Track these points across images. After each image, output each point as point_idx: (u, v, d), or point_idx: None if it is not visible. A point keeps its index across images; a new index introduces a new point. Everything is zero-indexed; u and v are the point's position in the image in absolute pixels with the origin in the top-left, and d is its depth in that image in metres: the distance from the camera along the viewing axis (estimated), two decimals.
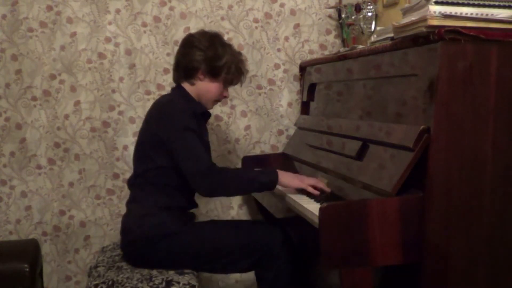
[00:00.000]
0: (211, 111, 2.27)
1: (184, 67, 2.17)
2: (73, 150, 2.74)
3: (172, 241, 2.02)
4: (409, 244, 1.54)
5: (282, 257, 2.06)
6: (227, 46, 2.20)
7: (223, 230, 2.11)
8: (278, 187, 2.05)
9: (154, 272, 1.98)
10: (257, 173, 2.05)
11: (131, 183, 2.18)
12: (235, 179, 2.02)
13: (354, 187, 1.82)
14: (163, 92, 2.69)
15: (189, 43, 2.18)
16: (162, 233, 2.01)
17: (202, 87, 2.17)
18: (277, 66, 2.84)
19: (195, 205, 2.22)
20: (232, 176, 2.03)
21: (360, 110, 2.03)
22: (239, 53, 2.26)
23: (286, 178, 2.03)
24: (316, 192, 1.97)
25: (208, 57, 2.13)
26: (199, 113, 2.16)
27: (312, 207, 1.78)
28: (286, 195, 2.04)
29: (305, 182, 2.01)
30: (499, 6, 1.53)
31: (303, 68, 2.70)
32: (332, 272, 2.27)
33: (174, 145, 2.00)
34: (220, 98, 2.25)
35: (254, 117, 2.85)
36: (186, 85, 2.19)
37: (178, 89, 2.21)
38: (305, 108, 2.67)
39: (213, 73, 2.15)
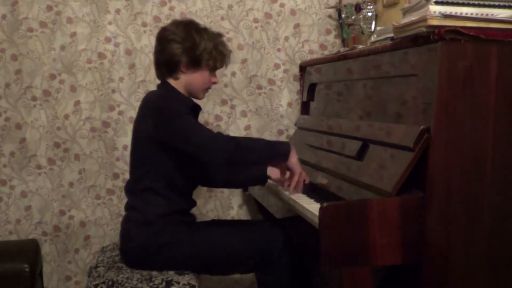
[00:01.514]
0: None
1: (165, 63, 2.09)
2: (73, 150, 2.73)
3: (173, 249, 2.00)
4: (409, 244, 1.54)
5: (283, 259, 2.06)
6: (202, 31, 2.11)
7: (224, 235, 2.08)
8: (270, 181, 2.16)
9: (154, 272, 1.98)
10: (271, 141, 2.13)
11: (129, 189, 2.12)
12: (250, 141, 2.05)
13: (354, 187, 1.82)
14: None
15: (164, 38, 2.09)
16: (163, 242, 1.99)
17: (188, 80, 2.10)
18: (277, 66, 2.84)
19: (194, 204, 2.20)
20: (245, 139, 2.06)
21: (360, 110, 2.03)
22: (218, 35, 2.16)
23: (295, 159, 2.05)
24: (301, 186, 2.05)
25: (186, 48, 2.06)
26: (189, 108, 2.08)
27: (312, 207, 1.77)
28: (286, 195, 2.04)
29: (302, 175, 2.06)
30: (499, 6, 1.53)
31: (303, 68, 2.70)
32: (332, 272, 2.27)
33: (175, 132, 1.95)
34: (210, 85, 2.17)
35: (254, 117, 2.85)
36: (171, 81, 2.11)
37: (164, 86, 2.13)
38: (305, 108, 2.67)
39: (194, 63, 2.08)
